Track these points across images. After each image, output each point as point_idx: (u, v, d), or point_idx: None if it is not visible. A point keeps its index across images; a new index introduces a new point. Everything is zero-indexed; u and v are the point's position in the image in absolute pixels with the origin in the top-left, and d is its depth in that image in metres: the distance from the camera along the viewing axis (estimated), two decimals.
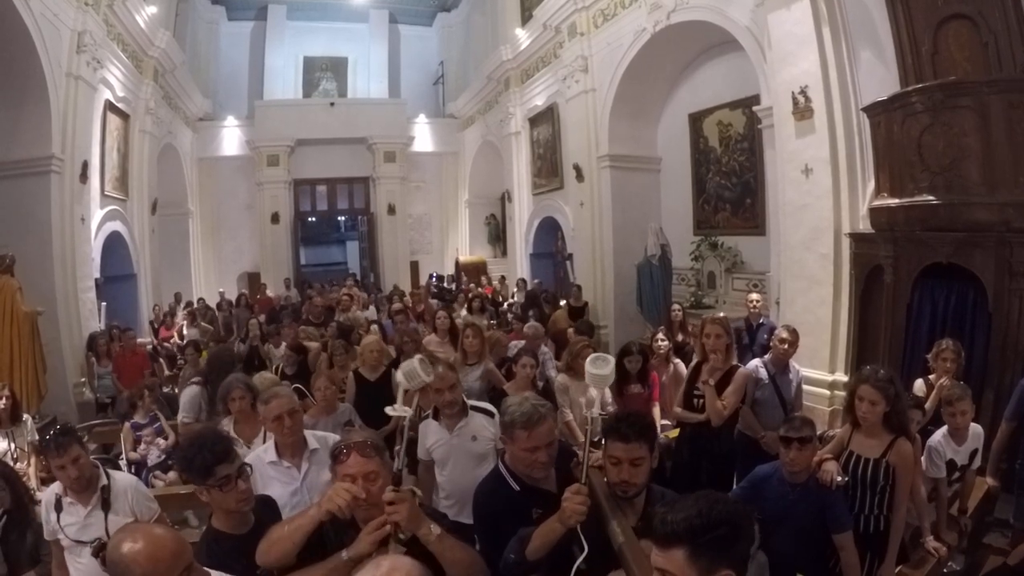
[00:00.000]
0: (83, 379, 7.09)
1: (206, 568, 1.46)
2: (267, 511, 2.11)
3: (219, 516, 1.96)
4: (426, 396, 3.50)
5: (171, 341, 9.23)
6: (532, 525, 1.90)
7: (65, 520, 2.50)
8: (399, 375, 1.95)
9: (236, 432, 3.20)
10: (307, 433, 2.81)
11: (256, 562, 1.71)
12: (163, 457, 4.50)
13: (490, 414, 3.01)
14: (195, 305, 10.91)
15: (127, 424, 4.57)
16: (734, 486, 3.22)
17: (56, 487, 2.58)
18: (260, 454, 2.69)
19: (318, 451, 2.68)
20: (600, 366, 2.01)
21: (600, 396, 3.99)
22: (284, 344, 6.56)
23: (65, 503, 2.52)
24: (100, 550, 2.32)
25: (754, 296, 6.28)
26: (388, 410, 1.90)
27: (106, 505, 2.50)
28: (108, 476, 2.59)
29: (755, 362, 3.94)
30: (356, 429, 3.41)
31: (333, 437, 2.80)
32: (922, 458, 3.11)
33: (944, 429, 3.20)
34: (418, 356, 2.03)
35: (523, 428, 2.03)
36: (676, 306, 6.85)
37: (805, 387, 4.44)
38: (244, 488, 1.93)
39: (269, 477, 2.58)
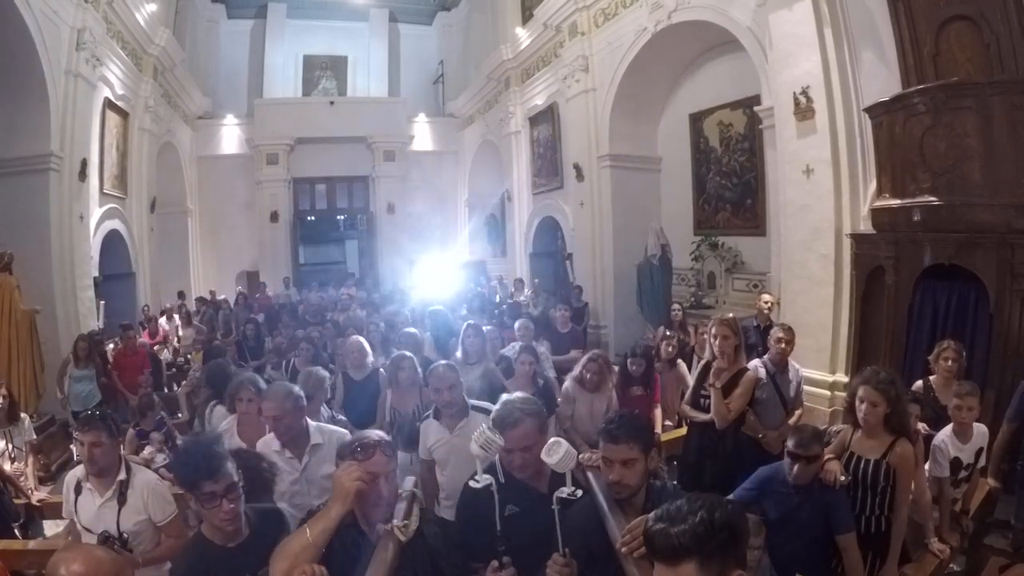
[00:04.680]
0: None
1: None
2: (269, 523, 1.99)
3: (208, 525, 1.90)
4: (425, 395, 3.50)
5: (167, 344, 9.08)
6: (503, 520, 1.88)
7: (81, 504, 2.54)
8: (474, 447, 1.85)
9: (239, 433, 3.18)
10: (313, 426, 2.85)
11: None
12: (168, 460, 4.49)
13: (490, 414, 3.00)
14: (169, 304, 10.44)
15: (131, 430, 4.55)
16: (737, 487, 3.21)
17: (80, 470, 2.59)
18: (268, 441, 2.80)
19: (320, 446, 2.75)
20: (552, 453, 1.77)
21: (608, 404, 3.97)
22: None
23: (84, 488, 2.55)
24: (103, 542, 2.33)
25: (767, 296, 5.93)
26: (471, 483, 1.89)
27: (122, 499, 2.51)
28: (129, 471, 2.59)
29: (755, 362, 3.93)
30: (370, 430, 3.41)
31: (340, 432, 2.86)
32: (926, 464, 3.11)
33: (949, 428, 3.20)
34: (484, 425, 1.96)
35: (498, 428, 2.02)
36: (676, 306, 6.84)
37: (806, 387, 4.43)
38: (228, 508, 1.82)
39: (278, 464, 2.66)
